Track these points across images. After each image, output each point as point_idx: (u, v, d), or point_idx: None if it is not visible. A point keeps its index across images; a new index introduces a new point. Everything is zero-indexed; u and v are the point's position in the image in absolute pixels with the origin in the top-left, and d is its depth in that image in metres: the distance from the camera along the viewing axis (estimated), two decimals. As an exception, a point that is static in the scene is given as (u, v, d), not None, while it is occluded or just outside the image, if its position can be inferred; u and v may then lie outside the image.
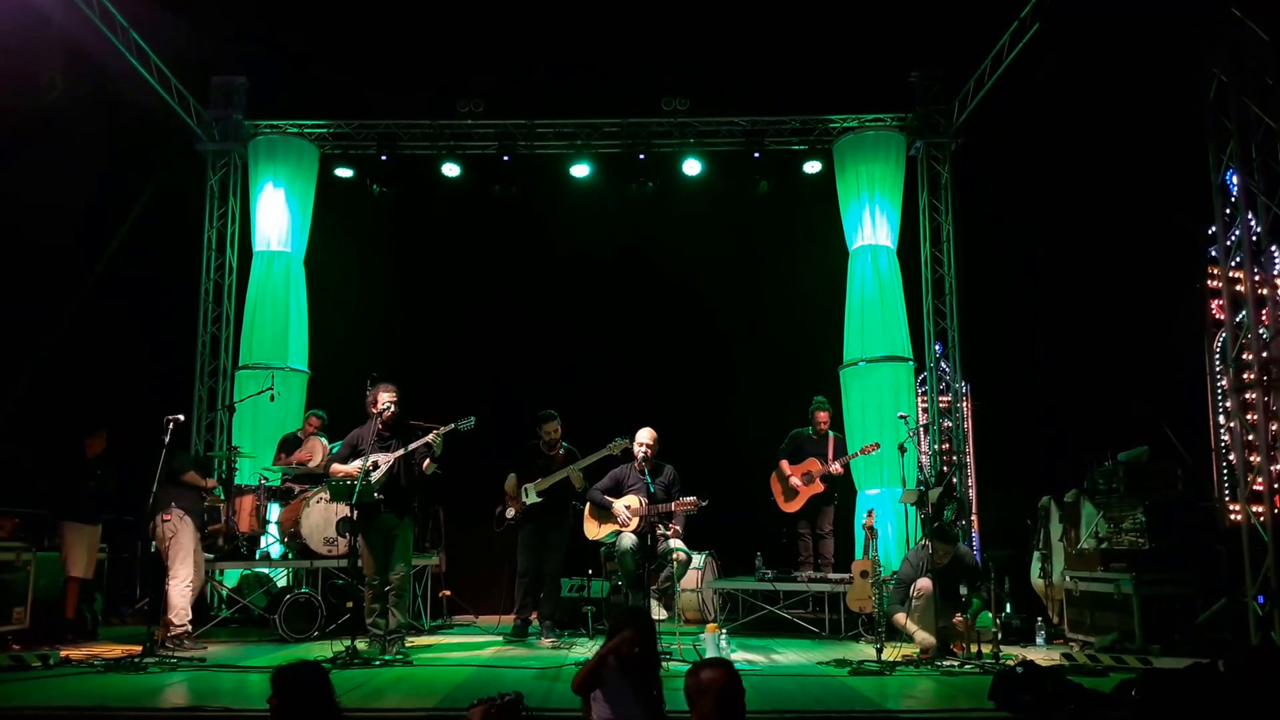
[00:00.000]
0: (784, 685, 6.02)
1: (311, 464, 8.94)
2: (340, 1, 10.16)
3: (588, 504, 7.86)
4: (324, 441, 9.01)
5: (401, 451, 7.02)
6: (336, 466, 7.13)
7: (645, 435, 7.60)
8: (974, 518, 10.67)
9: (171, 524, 7.23)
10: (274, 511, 9.20)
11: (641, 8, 10.18)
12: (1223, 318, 9.75)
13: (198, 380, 11.09)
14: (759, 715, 4.98)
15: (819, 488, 9.10)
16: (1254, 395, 7.43)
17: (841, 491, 9.60)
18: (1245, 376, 7.56)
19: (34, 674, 6.15)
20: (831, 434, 9.28)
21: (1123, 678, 5.30)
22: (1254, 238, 7.52)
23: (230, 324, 11.26)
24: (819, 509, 9.21)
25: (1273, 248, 7.44)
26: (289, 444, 9.48)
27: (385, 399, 7.13)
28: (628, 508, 7.50)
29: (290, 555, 8.80)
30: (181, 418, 7.27)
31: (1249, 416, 7.57)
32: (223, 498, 8.53)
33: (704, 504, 7.29)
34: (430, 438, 7.04)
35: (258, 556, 9.04)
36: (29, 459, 8.96)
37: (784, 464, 9.23)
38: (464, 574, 9.88)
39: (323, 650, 6.70)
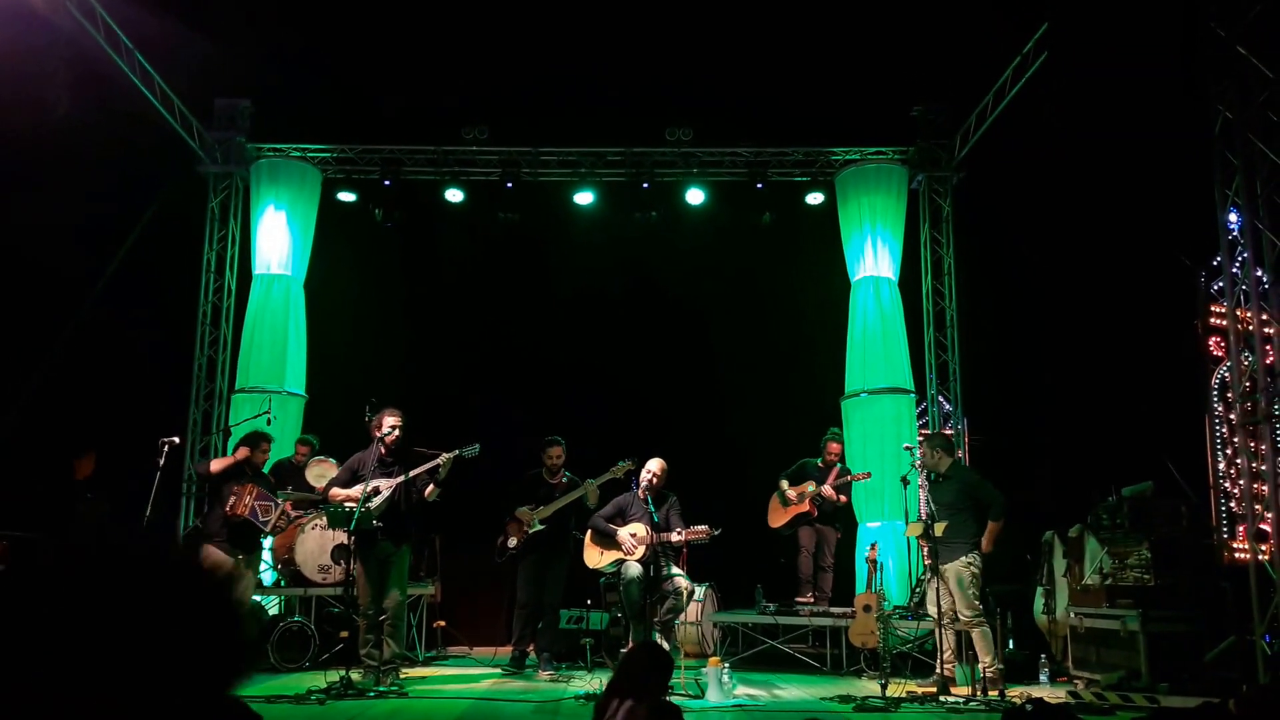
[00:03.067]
0: (788, 721, 5.91)
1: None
2: (345, 26, 10.17)
3: (589, 532, 7.76)
4: (334, 463, 8.85)
5: (404, 477, 6.92)
6: (336, 491, 7.01)
7: (655, 465, 7.55)
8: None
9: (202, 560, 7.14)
10: (268, 538, 9.05)
11: (647, 38, 10.23)
12: (1221, 354, 9.75)
13: (193, 403, 10.98)
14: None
15: (806, 507, 8.97)
16: (1257, 431, 7.41)
17: (843, 526, 9.49)
18: (1247, 408, 7.53)
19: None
20: (838, 466, 9.20)
21: (1131, 717, 5.22)
22: (1259, 273, 7.52)
23: (228, 347, 11.17)
24: (809, 532, 9.06)
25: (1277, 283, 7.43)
26: (282, 470, 9.35)
27: (390, 423, 7.03)
28: (633, 536, 7.41)
29: (283, 582, 8.66)
30: (177, 440, 7.20)
31: (1257, 449, 7.54)
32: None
33: (716, 533, 7.22)
34: (436, 463, 6.93)
35: (250, 583, 8.89)
36: (21, 481, 8.82)
37: (784, 483, 9.12)
38: (458, 604, 9.74)
39: (315, 680, 6.56)
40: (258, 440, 7.55)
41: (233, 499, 7.13)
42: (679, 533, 7.35)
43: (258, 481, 7.39)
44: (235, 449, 7.31)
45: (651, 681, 3.61)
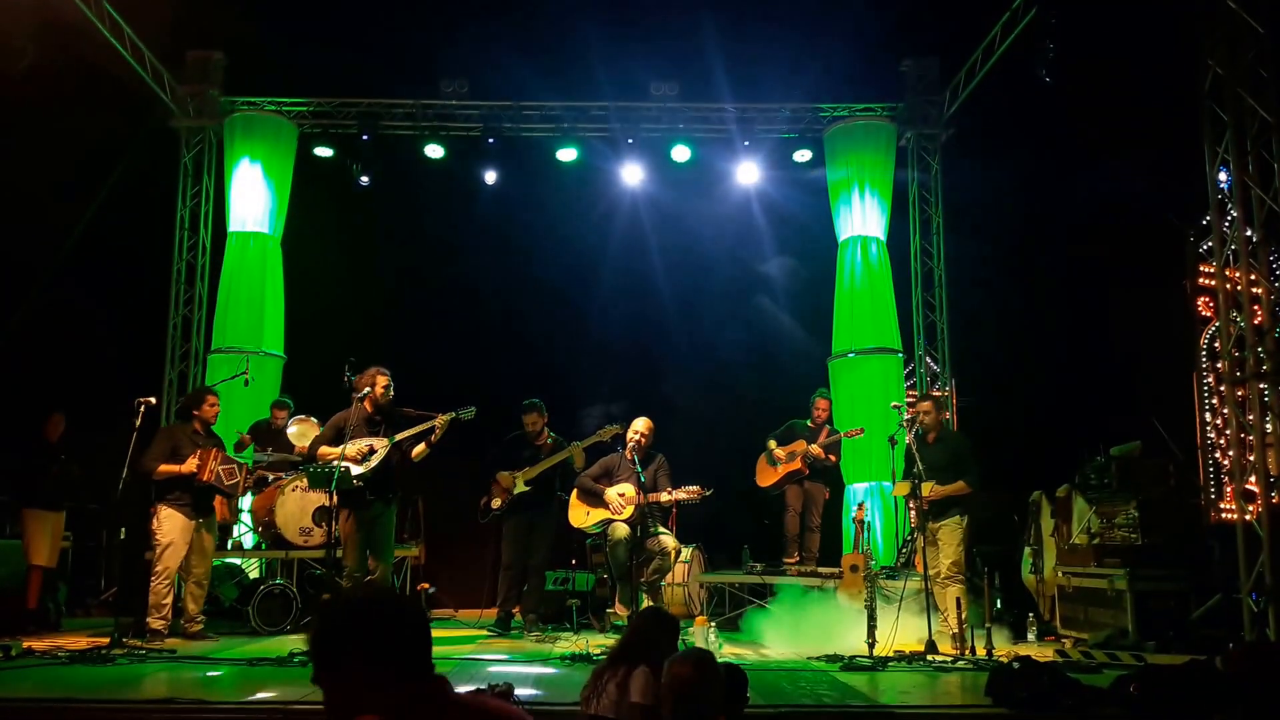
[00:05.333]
0: (776, 680, 5.86)
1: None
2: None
3: (575, 491, 7.68)
4: (316, 422, 8.70)
5: (398, 438, 6.80)
6: (325, 449, 6.86)
7: (641, 424, 7.47)
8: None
9: (155, 520, 6.98)
10: (247, 500, 8.92)
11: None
12: (1210, 314, 9.73)
13: (168, 364, 10.77)
14: (752, 711, 4.81)
15: (797, 465, 8.89)
16: (1245, 391, 7.36)
17: (831, 486, 9.43)
18: (1236, 373, 7.49)
19: (-5, 665, 5.89)
20: (827, 426, 9.12)
21: (1119, 674, 5.20)
22: (1248, 231, 7.44)
23: (203, 306, 10.95)
24: (797, 491, 8.99)
25: (1266, 240, 7.36)
26: (261, 431, 9.21)
27: (382, 382, 6.91)
28: (621, 495, 7.33)
29: (264, 545, 8.54)
30: (153, 400, 7.02)
31: (1245, 409, 7.50)
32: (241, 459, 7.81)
33: (709, 493, 7.17)
34: (432, 424, 6.81)
35: (229, 546, 8.76)
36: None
37: (772, 443, 9.04)
38: (443, 567, 9.65)
39: (298, 644, 6.46)
40: (201, 396, 7.36)
41: (196, 463, 6.96)
42: (669, 492, 7.29)
43: (210, 440, 7.20)
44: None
45: (661, 644, 3.52)
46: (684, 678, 2.97)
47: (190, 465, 6.97)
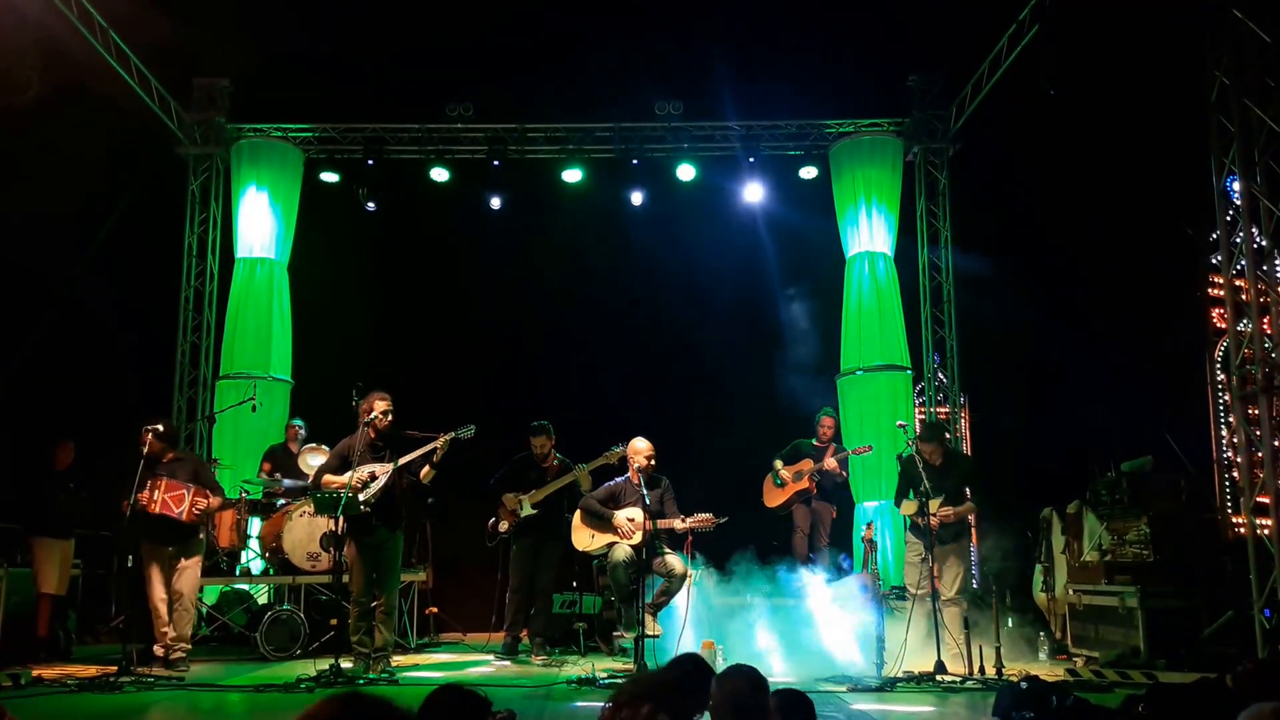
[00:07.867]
0: (784, 704, 5.81)
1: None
2: (327, 2, 9.94)
3: (579, 513, 7.63)
4: (328, 449, 8.70)
5: (399, 462, 6.80)
6: (330, 478, 6.87)
7: (643, 446, 7.41)
8: (972, 530, 10.46)
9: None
10: (255, 525, 8.94)
11: (636, 10, 10.02)
12: (1223, 326, 9.65)
13: (177, 390, 10.82)
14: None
15: (806, 484, 8.84)
16: (1257, 407, 7.29)
17: (840, 505, 9.38)
18: (1248, 387, 7.41)
19: (4, 694, 5.89)
20: (833, 444, 9.07)
21: (1129, 693, 5.14)
22: (1255, 237, 7.38)
23: (211, 333, 10.99)
24: (804, 512, 8.94)
25: (1275, 251, 7.30)
26: (273, 456, 9.24)
27: (381, 407, 6.90)
28: (631, 520, 7.29)
29: (272, 571, 8.54)
30: (161, 427, 7.04)
31: (1254, 430, 7.42)
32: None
33: (722, 520, 7.14)
34: (433, 446, 6.80)
35: (238, 572, 8.77)
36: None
37: (778, 463, 9.00)
38: (450, 590, 9.63)
39: (305, 669, 6.46)
40: (142, 434, 7.08)
41: (145, 496, 6.82)
42: (682, 520, 7.26)
43: (169, 470, 7.03)
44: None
45: (696, 695, 3.20)
46: (741, 690, 3.07)
47: (140, 499, 6.84)
